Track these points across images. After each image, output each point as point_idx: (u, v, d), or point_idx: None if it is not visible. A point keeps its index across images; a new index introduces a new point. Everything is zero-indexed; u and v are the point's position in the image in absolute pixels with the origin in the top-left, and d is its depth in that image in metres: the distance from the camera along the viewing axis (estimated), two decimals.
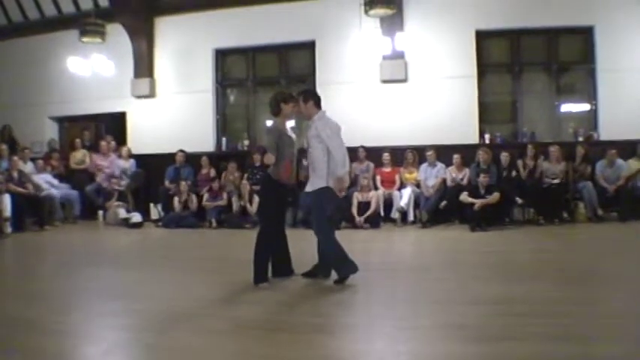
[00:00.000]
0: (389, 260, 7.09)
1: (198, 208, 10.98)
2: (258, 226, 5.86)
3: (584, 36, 11.05)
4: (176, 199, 10.99)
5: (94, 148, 12.75)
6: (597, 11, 10.68)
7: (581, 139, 10.80)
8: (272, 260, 5.63)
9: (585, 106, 11.27)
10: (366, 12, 10.21)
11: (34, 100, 13.54)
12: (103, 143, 12.47)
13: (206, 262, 7.15)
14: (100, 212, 11.89)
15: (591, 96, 11.06)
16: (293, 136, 5.76)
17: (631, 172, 9.86)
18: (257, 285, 5.39)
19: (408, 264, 6.95)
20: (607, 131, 10.66)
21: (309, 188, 5.63)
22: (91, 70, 12.46)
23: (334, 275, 5.53)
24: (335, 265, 5.53)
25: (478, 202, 9.29)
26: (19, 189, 10.44)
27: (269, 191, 5.64)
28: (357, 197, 10.05)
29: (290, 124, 5.93)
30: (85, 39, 11.76)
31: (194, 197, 11.01)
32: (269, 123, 5.90)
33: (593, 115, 11.05)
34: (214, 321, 4.36)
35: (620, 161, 9.96)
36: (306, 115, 5.67)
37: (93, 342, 3.96)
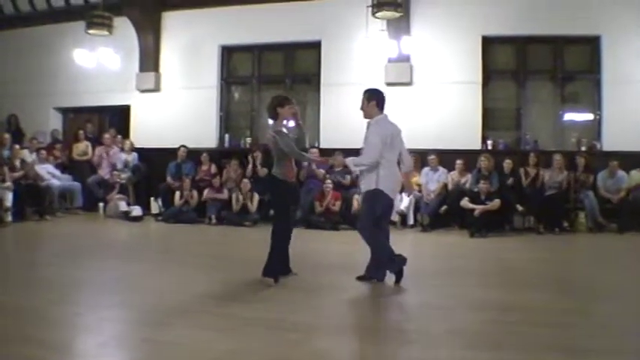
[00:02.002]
0: None
1: (198, 203, 10.98)
2: (272, 224, 5.75)
3: (591, 46, 11.00)
4: (177, 193, 10.99)
5: (96, 140, 12.75)
6: (604, 21, 10.63)
7: (583, 148, 10.77)
8: None
9: (589, 116, 11.24)
10: (373, 14, 10.13)
11: (40, 91, 13.50)
12: (107, 135, 12.47)
13: (205, 259, 7.16)
14: (101, 204, 11.89)
15: (595, 106, 11.02)
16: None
17: (631, 184, 9.84)
18: (264, 277, 5.42)
19: (408, 268, 6.93)
20: (610, 142, 10.63)
21: (362, 189, 5.70)
22: (96, 62, 12.42)
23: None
24: (381, 262, 5.62)
25: (478, 208, 9.30)
26: (17, 173, 10.43)
27: (279, 191, 5.71)
28: (358, 199, 10.02)
29: (290, 124, 5.98)
30: (91, 31, 11.69)
31: (195, 193, 11.02)
32: (270, 122, 5.91)
33: (596, 125, 11.02)
34: (212, 318, 4.37)
35: (621, 172, 9.95)
36: (366, 114, 5.66)
37: (89, 333, 3.97)
